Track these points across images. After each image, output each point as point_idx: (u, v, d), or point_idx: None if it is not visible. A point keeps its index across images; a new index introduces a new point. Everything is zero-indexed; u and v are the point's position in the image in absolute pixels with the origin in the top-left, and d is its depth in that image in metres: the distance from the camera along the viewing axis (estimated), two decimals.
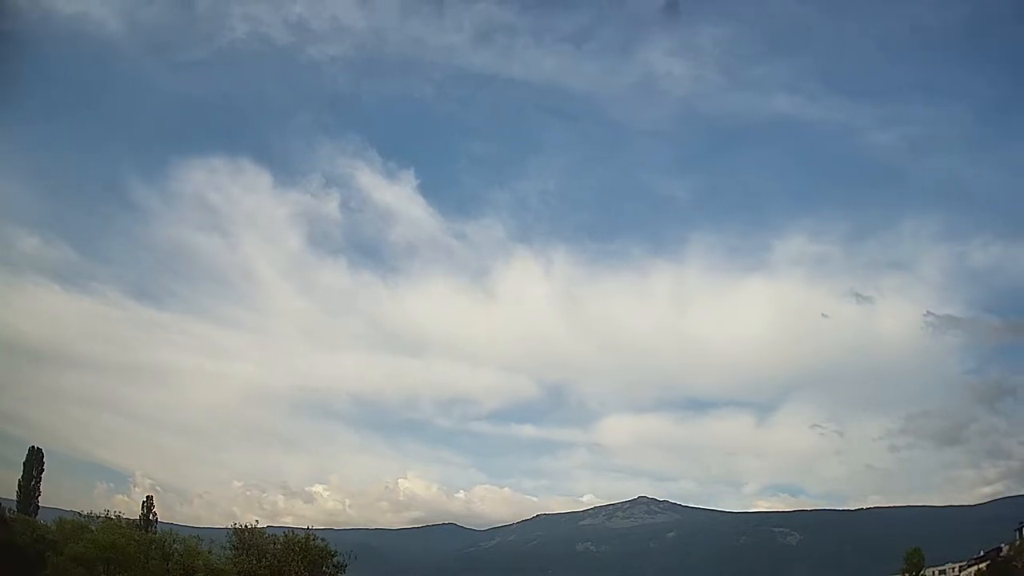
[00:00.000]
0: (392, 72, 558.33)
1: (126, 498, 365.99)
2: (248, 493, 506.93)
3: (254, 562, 59.07)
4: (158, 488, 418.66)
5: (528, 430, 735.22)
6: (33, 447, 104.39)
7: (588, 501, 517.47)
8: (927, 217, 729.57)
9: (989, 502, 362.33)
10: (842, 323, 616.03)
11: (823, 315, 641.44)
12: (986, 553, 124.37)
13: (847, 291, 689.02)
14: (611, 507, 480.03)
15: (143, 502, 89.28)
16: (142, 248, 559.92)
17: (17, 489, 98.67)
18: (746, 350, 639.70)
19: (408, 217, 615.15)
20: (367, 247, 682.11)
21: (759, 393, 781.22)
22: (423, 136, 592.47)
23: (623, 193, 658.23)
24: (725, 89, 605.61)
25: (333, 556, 62.54)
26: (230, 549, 60.95)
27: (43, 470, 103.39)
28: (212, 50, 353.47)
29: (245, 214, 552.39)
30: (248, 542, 60.42)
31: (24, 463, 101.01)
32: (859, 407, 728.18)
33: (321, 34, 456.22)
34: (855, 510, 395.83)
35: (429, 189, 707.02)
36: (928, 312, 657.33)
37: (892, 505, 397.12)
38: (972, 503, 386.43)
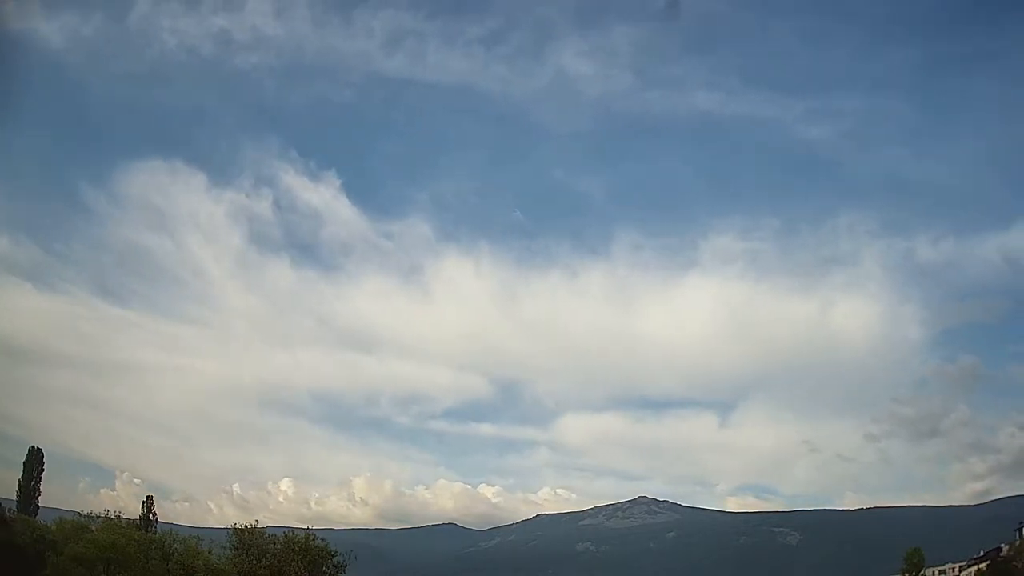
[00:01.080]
0: (311, 78, 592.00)
1: (111, 492, 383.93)
2: (226, 490, 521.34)
3: (254, 562, 59.08)
4: (136, 481, 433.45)
5: (487, 428, 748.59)
6: (33, 447, 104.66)
7: (544, 497, 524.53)
8: (866, 211, 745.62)
9: (989, 502, 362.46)
10: (791, 319, 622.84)
11: (769, 311, 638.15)
12: (986, 553, 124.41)
13: (789, 287, 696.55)
14: (611, 507, 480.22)
15: (143, 502, 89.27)
16: (100, 248, 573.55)
17: (17, 489, 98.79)
18: (695, 349, 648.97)
19: (336, 217, 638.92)
20: (304, 246, 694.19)
21: (716, 392, 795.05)
22: (343, 139, 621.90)
23: (541, 192, 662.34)
24: (640, 88, 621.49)
25: (333, 556, 62.57)
26: (230, 549, 60.95)
27: (43, 470, 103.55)
28: (145, 62, 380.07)
29: (187, 214, 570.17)
30: (248, 542, 60.42)
31: (24, 463, 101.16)
32: (822, 404, 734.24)
33: (244, 44, 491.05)
34: (855, 510, 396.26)
35: (352, 190, 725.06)
36: (882, 306, 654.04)
37: (892, 505, 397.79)
38: (972, 503, 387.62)
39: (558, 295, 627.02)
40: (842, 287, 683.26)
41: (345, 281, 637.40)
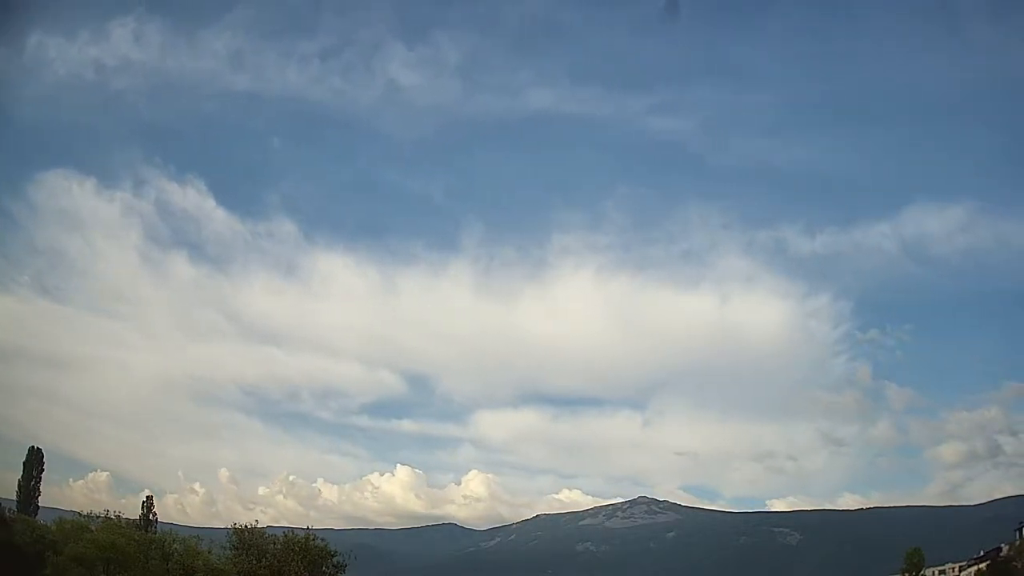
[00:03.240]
0: (174, 94, 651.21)
1: (83, 482, 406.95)
2: (191, 487, 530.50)
3: (254, 562, 58.99)
4: (96, 469, 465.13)
5: (408, 425, 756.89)
6: (33, 447, 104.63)
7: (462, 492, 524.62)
8: (725, 203, 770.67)
9: (989, 502, 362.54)
10: (680, 315, 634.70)
11: (651, 307, 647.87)
12: (986, 553, 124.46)
13: (660, 280, 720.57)
14: (611, 507, 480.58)
15: (143, 502, 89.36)
16: (32, 251, 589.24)
17: (17, 489, 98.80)
18: (582, 345, 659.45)
19: (209, 218, 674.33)
20: (193, 244, 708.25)
21: (623, 390, 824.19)
22: (207, 147, 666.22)
23: (389, 194, 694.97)
24: (470, 93, 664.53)
25: (333, 556, 62.46)
26: (230, 549, 60.92)
27: (43, 470, 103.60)
28: (43, 85, 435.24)
29: (89, 216, 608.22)
30: (248, 542, 60.35)
31: (24, 463, 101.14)
32: (740, 402, 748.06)
33: (115, 69, 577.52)
34: (855, 510, 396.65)
35: (219, 193, 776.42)
36: (764, 298, 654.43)
37: (892, 505, 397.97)
38: (972, 503, 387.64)
39: (434, 294, 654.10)
40: (704, 280, 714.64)
41: (238, 277, 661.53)
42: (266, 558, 59.27)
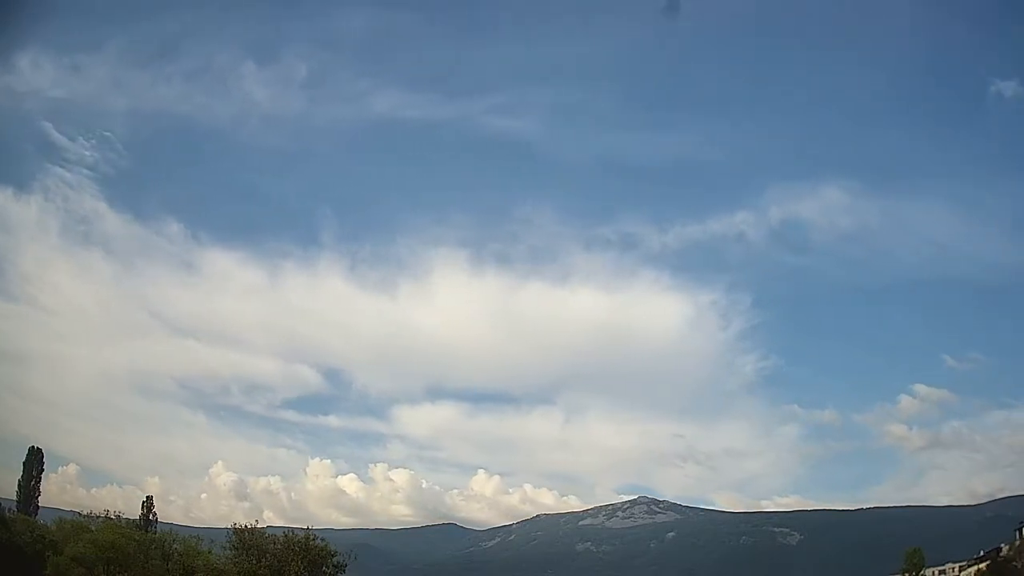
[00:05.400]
0: (72, 112, 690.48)
1: (55, 475, 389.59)
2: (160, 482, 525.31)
3: (254, 562, 58.96)
4: (71, 462, 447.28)
5: (334, 420, 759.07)
6: (33, 447, 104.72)
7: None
8: (568, 200, 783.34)
9: (989, 502, 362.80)
10: (555, 311, 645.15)
11: (527, 304, 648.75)
12: (986, 553, 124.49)
13: (525, 277, 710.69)
14: (611, 507, 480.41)
15: (143, 502, 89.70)
16: None
17: (17, 489, 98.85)
18: (469, 341, 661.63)
19: (100, 216, 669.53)
20: (95, 241, 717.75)
21: (537, 389, 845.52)
22: (101, 156, 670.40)
23: (253, 197, 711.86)
24: (313, 103, 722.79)
25: (333, 556, 62.39)
26: (230, 549, 60.91)
27: (43, 470, 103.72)
28: None
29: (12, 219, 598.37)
30: (248, 542, 60.30)
31: (24, 463, 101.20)
32: (654, 402, 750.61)
33: (24, 94, 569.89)
34: (855, 510, 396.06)
35: (113, 198, 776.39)
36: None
37: (892, 505, 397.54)
38: (972, 503, 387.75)
39: (319, 289, 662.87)
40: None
41: (143, 272, 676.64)
42: (266, 558, 59.23)
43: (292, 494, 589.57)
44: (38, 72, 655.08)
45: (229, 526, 62.89)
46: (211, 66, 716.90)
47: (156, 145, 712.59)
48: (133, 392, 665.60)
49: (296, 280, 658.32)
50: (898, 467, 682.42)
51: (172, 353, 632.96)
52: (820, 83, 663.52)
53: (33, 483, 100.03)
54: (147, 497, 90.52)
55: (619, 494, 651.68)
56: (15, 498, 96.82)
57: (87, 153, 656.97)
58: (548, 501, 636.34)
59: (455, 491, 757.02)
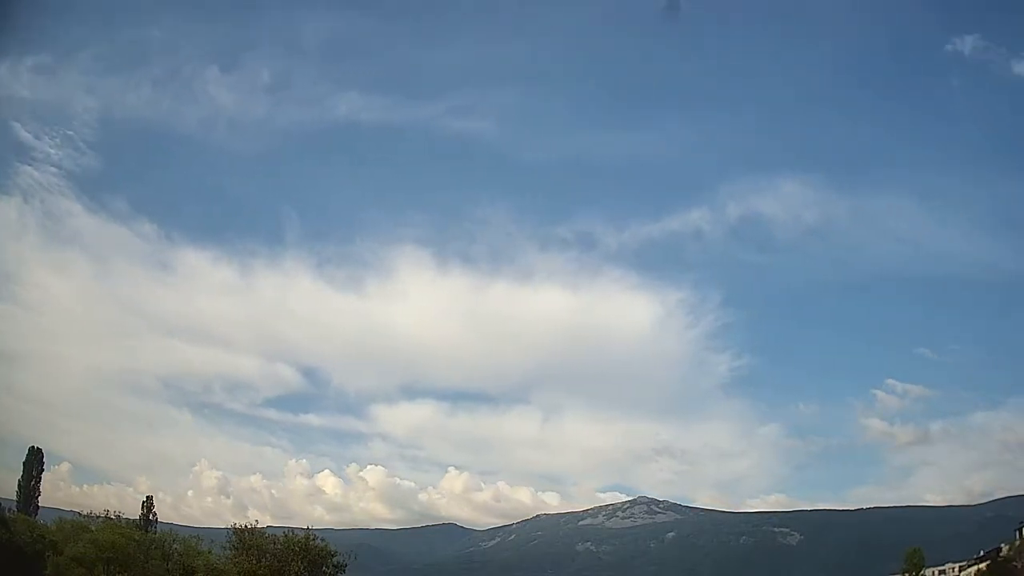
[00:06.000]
0: (45, 116, 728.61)
1: (48, 474, 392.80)
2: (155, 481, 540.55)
3: (254, 562, 58.93)
4: (64, 460, 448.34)
5: (315, 419, 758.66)
6: (33, 447, 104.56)
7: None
8: (530, 200, 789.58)
9: (989, 502, 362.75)
10: (521, 311, 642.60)
11: (494, 304, 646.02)
12: (986, 553, 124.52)
13: (491, 277, 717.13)
14: (611, 507, 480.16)
15: (143, 502, 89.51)
16: None
17: (17, 489, 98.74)
18: (438, 339, 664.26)
19: (73, 216, 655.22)
20: (69, 240, 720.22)
21: (501, 387, 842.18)
22: (74, 160, 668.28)
23: (220, 198, 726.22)
24: (275, 106, 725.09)
25: (333, 556, 62.35)
26: (230, 549, 60.89)
27: (43, 470, 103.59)
28: None
29: None
30: (248, 542, 60.27)
31: (24, 463, 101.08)
32: (631, 402, 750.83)
33: (2, 99, 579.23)
34: (855, 510, 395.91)
35: (85, 199, 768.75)
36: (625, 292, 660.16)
37: (892, 505, 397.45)
38: (972, 503, 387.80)
39: (290, 288, 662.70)
40: (546, 276, 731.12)
41: (122, 271, 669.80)
42: (266, 558, 59.17)
43: (274, 492, 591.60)
44: (17, 79, 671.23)
45: (225, 526, 63.10)
46: (178, 73, 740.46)
47: (127, 148, 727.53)
48: (121, 390, 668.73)
49: (267, 279, 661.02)
50: (883, 464, 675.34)
51: (155, 351, 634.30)
52: (774, 76, 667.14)
53: (33, 483, 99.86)
54: (147, 497, 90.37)
55: (599, 492, 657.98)
56: (15, 498, 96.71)
57: (52, 151, 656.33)
58: (525, 499, 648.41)
59: (431, 488, 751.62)
